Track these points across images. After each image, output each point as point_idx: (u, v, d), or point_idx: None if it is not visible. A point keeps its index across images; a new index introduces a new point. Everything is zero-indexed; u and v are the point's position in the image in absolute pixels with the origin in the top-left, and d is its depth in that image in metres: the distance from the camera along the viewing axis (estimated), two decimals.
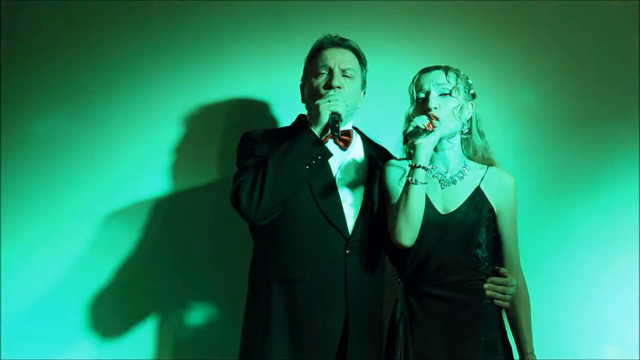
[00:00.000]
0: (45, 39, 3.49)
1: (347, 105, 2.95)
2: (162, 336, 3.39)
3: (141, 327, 3.39)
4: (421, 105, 2.95)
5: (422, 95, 2.97)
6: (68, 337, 3.38)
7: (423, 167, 2.83)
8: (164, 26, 3.50)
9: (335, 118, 2.88)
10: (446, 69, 2.98)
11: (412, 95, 3.00)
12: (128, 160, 3.46)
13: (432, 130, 2.86)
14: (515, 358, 2.97)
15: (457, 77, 2.98)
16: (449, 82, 2.96)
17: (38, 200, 3.44)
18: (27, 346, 3.36)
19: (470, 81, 3.03)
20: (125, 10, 3.49)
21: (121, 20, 3.49)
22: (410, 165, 2.86)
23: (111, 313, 3.40)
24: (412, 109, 2.99)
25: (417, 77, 3.01)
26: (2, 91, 3.46)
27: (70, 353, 3.37)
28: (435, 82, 2.96)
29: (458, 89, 2.96)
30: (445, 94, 2.95)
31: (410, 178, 2.83)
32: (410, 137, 2.84)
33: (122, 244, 3.42)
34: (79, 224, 3.43)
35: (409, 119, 2.97)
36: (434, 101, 2.93)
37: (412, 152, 2.92)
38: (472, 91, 3.03)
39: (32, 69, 3.48)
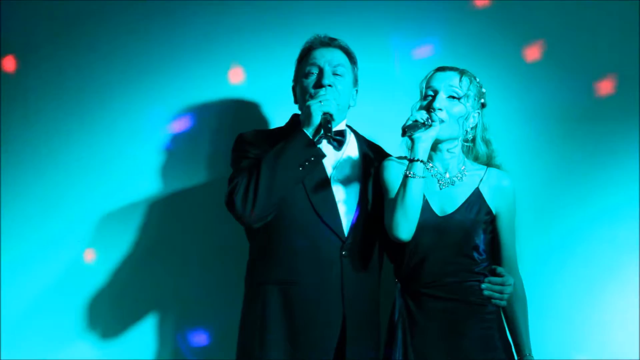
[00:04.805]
0: (43, 39, 3.50)
1: (338, 105, 2.95)
2: (161, 336, 3.41)
3: (139, 327, 3.41)
4: (427, 103, 2.94)
5: (431, 93, 2.95)
6: (67, 338, 3.40)
7: (421, 161, 2.82)
8: (157, 27, 3.50)
9: (327, 118, 2.88)
10: (461, 73, 2.96)
11: (421, 91, 2.99)
12: (123, 161, 3.47)
13: (431, 126, 2.85)
14: (514, 358, 2.96)
15: (470, 83, 2.96)
16: (460, 86, 2.94)
17: (35, 201, 3.45)
18: (27, 346, 3.38)
19: (483, 90, 3.01)
20: (118, 10, 3.50)
21: (115, 20, 3.49)
22: (408, 159, 2.85)
23: (109, 313, 3.42)
24: (418, 104, 2.98)
25: (431, 73, 2.99)
26: (2, 91, 3.49)
27: (69, 353, 3.39)
28: (447, 84, 2.94)
29: (468, 96, 2.95)
30: (453, 97, 2.94)
31: (408, 171, 2.82)
32: (408, 130, 2.82)
33: (120, 244, 3.43)
34: (76, 225, 3.45)
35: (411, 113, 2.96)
36: (440, 102, 2.92)
37: (410, 145, 2.89)
38: (482, 100, 3.01)
39: (30, 69, 3.49)
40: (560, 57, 3.49)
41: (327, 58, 3.04)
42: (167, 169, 3.49)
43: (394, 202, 2.85)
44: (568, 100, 3.47)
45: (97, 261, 3.43)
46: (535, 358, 2.99)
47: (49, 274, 3.43)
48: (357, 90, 3.14)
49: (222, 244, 3.41)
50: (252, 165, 2.90)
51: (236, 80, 3.49)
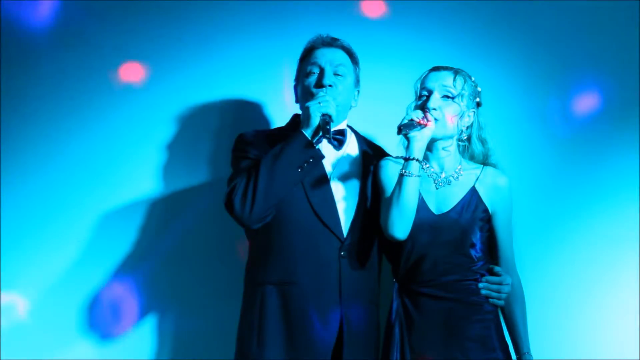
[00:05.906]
0: (44, 39, 3.50)
1: (337, 105, 2.94)
2: (161, 336, 3.41)
3: (139, 327, 3.41)
4: (422, 103, 2.95)
5: (425, 93, 2.96)
6: (67, 338, 3.39)
7: (416, 160, 2.83)
8: (158, 26, 3.50)
9: (326, 119, 2.87)
10: (456, 72, 2.97)
11: (416, 91, 3.00)
12: (123, 161, 3.47)
13: (426, 125, 2.86)
14: (512, 357, 2.97)
15: (465, 82, 2.96)
16: (455, 86, 2.94)
17: (36, 201, 3.45)
18: (27, 346, 3.37)
19: (479, 89, 3.01)
20: (118, 9, 3.50)
21: (115, 19, 3.50)
22: (404, 158, 2.86)
23: (109, 313, 3.41)
24: (413, 104, 2.98)
25: (425, 73, 3.00)
26: (1, 91, 3.50)
27: (69, 353, 3.38)
28: (441, 83, 2.95)
29: (462, 95, 2.95)
30: (448, 97, 2.95)
31: (403, 170, 2.83)
32: (404, 129, 2.83)
33: (120, 244, 3.43)
34: (76, 224, 3.44)
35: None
36: (434, 102, 2.92)
37: (406, 145, 2.91)
38: (478, 99, 3.01)
39: (31, 69, 3.49)
40: (560, 56, 3.49)
41: (329, 58, 3.04)
42: (168, 169, 3.48)
43: (389, 201, 2.86)
44: (566, 98, 3.47)
45: (97, 261, 3.42)
46: (533, 357, 2.99)
47: (49, 273, 3.42)
48: (358, 91, 3.14)
49: (222, 244, 3.41)
50: (251, 166, 2.90)
51: (236, 80, 3.49)
